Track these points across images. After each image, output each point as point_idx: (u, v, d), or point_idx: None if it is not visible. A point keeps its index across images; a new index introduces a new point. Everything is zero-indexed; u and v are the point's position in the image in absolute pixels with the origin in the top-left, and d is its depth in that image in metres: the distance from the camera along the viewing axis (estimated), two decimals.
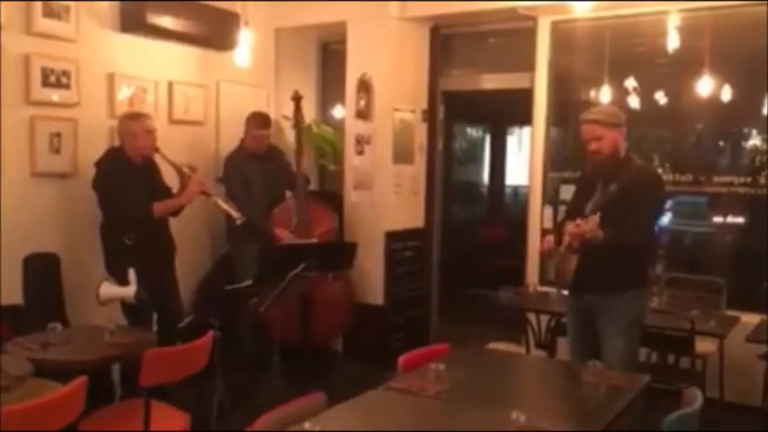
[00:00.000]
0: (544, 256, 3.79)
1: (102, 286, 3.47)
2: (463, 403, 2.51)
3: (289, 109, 5.18)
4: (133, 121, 4.12)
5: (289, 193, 5.11)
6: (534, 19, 5.10)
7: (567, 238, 3.16)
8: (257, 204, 4.81)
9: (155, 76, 4.80)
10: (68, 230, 4.29)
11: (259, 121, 4.93)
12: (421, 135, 5.63)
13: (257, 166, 4.88)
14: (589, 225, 3.02)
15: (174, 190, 4.26)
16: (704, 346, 3.98)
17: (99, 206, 4.05)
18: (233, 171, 4.87)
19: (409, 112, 5.49)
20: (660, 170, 4.74)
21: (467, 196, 8.24)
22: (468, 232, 7.51)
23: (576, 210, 3.44)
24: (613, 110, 3.57)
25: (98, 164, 4.04)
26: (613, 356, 3.24)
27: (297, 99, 5.04)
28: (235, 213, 4.25)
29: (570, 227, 3.12)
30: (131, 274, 3.47)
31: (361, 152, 5.39)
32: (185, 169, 4.18)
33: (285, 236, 4.78)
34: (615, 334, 3.30)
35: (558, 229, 3.50)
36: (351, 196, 5.44)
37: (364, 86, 5.30)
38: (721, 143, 4.86)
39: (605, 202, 3.26)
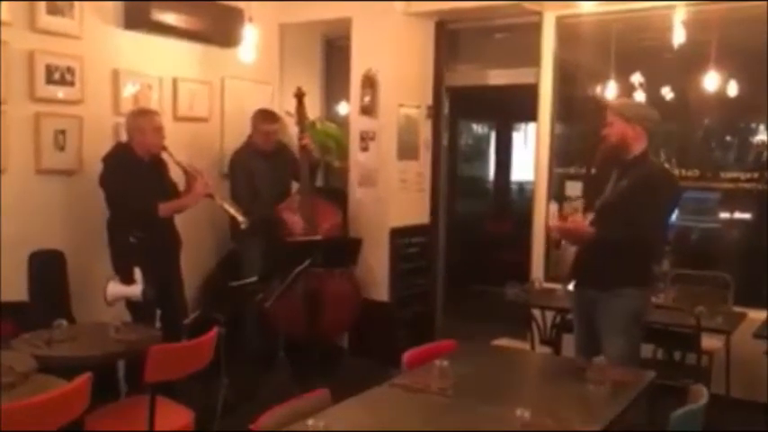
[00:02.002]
0: (549, 230, 3.79)
1: (108, 286, 3.47)
2: (468, 400, 2.50)
3: (293, 105, 5.17)
4: (141, 117, 4.12)
5: (294, 190, 5.10)
6: (540, 14, 5.08)
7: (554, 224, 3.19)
8: (263, 201, 4.79)
9: (159, 72, 4.80)
10: (73, 227, 4.30)
11: (266, 116, 4.93)
12: (426, 131, 5.62)
13: (264, 164, 4.87)
14: (572, 224, 3.01)
15: (181, 187, 4.26)
16: (710, 342, 3.97)
17: (106, 202, 4.05)
18: (239, 167, 4.86)
19: (414, 108, 5.47)
20: (666, 166, 4.72)
21: (472, 192, 8.23)
22: (474, 228, 7.50)
23: (589, 203, 3.43)
24: (634, 105, 3.55)
25: (105, 159, 4.04)
26: (612, 355, 3.21)
27: (299, 96, 5.02)
28: (240, 217, 4.24)
29: (555, 222, 3.12)
30: (137, 272, 3.47)
31: (365, 148, 5.38)
32: (191, 170, 4.17)
33: (296, 222, 4.76)
34: (614, 332, 3.27)
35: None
36: (355, 193, 5.44)
37: (369, 82, 5.29)
38: (728, 138, 4.83)
39: (615, 197, 3.24)
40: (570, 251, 3.28)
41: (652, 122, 3.36)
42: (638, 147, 3.32)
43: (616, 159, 3.34)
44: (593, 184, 3.54)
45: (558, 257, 3.39)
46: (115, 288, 3.49)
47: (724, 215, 4.81)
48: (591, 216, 3.25)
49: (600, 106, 3.44)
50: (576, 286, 3.45)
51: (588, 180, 3.73)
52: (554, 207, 5.10)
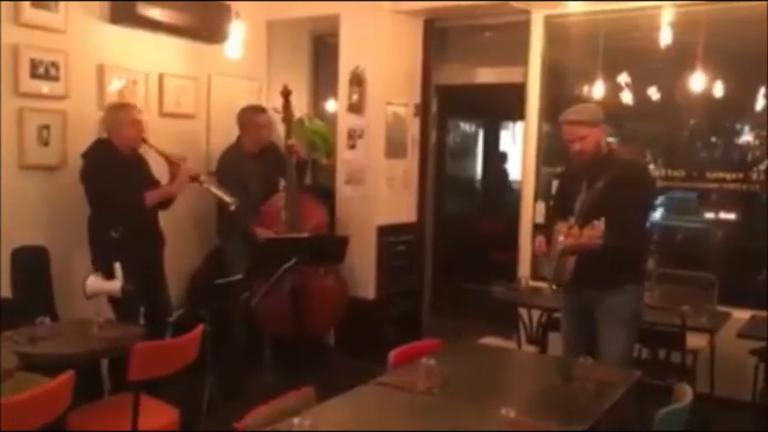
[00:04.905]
0: (538, 255, 3.76)
1: (88, 280, 3.44)
2: (454, 398, 2.50)
3: (280, 103, 5.14)
4: (118, 111, 4.08)
5: (282, 185, 5.07)
6: (528, 13, 5.09)
7: (561, 240, 3.14)
8: (251, 204, 4.75)
9: (145, 68, 4.76)
10: (57, 223, 4.25)
11: (255, 109, 4.90)
12: (414, 129, 5.62)
13: (254, 165, 4.83)
14: (594, 231, 2.98)
15: (163, 182, 4.23)
16: (695, 341, 3.99)
17: (87, 198, 4.01)
18: (229, 168, 4.81)
19: (402, 106, 5.47)
20: (653, 166, 4.75)
21: (460, 190, 8.22)
22: (461, 226, 7.50)
23: (561, 208, 3.43)
24: (593, 107, 3.56)
25: (85, 155, 4.00)
26: (612, 350, 3.25)
27: (286, 94, 4.99)
28: (228, 199, 4.22)
29: (569, 237, 3.08)
30: (117, 268, 3.44)
31: (353, 146, 5.37)
32: (173, 157, 4.14)
33: (266, 234, 4.73)
34: (615, 328, 3.30)
35: (546, 228, 3.50)
36: (343, 190, 5.42)
37: (357, 80, 5.28)
38: (714, 139, 4.86)
39: (594, 199, 3.24)
40: (570, 258, 3.25)
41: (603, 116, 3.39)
42: (605, 144, 3.37)
43: (590, 163, 3.35)
44: (567, 187, 3.54)
45: (555, 264, 3.32)
46: (95, 283, 3.46)
47: (709, 215, 4.84)
48: (572, 220, 3.23)
49: (561, 121, 3.40)
50: (569, 288, 3.43)
51: (560, 183, 3.73)
52: (540, 206, 5.13)
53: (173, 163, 4.15)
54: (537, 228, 5.01)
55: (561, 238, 3.14)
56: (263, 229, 4.72)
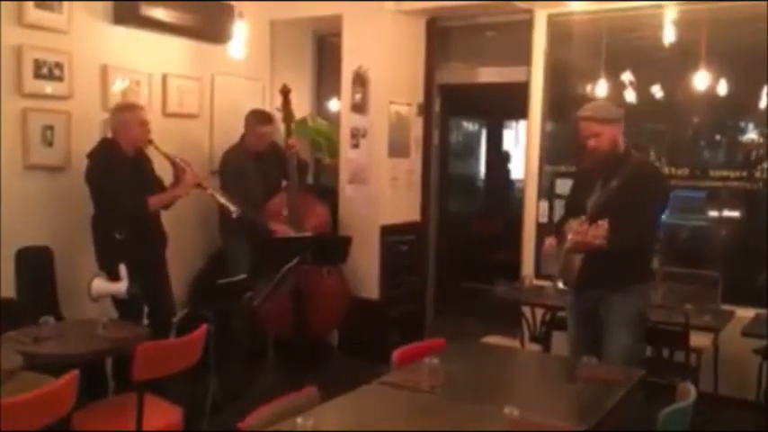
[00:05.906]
0: (545, 258, 3.75)
1: (93, 282, 3.44)
2: (457, 398, 2.50)
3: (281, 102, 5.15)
4: (126, 112, 4.09)
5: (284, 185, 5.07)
6: (531, 12, 5.09)
7: (570, 238, 3.13)
8: (253, 202, 4.76)
9: (149, 68, 4.77)
10: (61, 224, 4.26)
11: (261, 118, 4.89)
12: (417, 129, 5.62)
13: (256, 165, 4.83)
14: (599, 230, 2.97)
15: (167, 182, 4.24)
16: (699, 340, 3.98)
17: (91, 199, 4.02)
18: (231, 168, 4.82)
19: (405, 106, 5.47)
20: (656, 164, 4.74)
21: (463, 190, 8.23)
22: (464, 226, 7.51)
23: (575, 206, 3.43)
24: (609, 105, 3.54)
25: (90, 155, 4.00)
26: (617, 350, 3.24)
27: (285, 92, 4.98)
28: (231, 207, 4.22)
29: (576, 235, 3.06)
30: (122, 269, 3.45)
31: (356, 146, 5.37)
32: (179, 161, 4.15)
33: (282, 229, 4.75)
34: (621, 328, 3.29)
35: (558, 226, 3.49)
36: (346, 190, 5.43)
37: (360, 80, 5.28)
38: (718, 137, 4.85)
39: (607, 198, 3.24)
40: (576, 256, 3.24)
41: (622, 114, 3.38)
42: (622, 143, 3.35)
43: (605, 161, 3.34)
44: (581, 185, 3.53)
45: (561, 263, 3.32)
46: (100, 285, 3.47)
47: (713, 213, 4.83)
48: (583, 219, 3.23)
49: (577, 117, 3.39)
50: (576, 287, 3.43)
51: (574, 181, 3.72)
52: (544, 205, 5.13)
53: (177, 166, 4.15)
54: (541, 227, 5.02)
55: (570, 236, 3.14)
56: (278, 223, 4.72)
